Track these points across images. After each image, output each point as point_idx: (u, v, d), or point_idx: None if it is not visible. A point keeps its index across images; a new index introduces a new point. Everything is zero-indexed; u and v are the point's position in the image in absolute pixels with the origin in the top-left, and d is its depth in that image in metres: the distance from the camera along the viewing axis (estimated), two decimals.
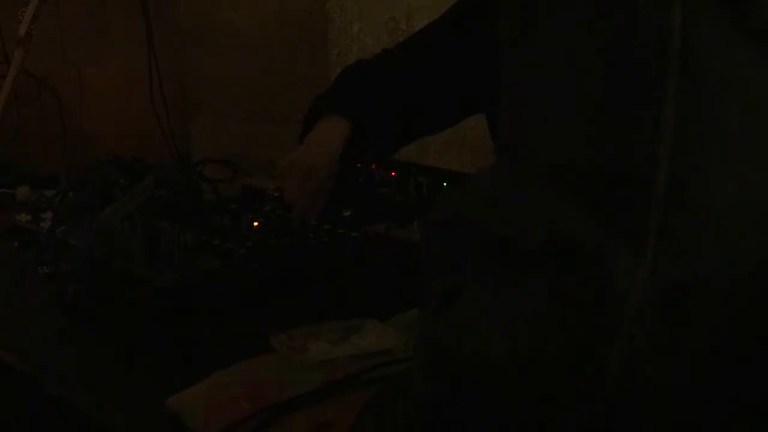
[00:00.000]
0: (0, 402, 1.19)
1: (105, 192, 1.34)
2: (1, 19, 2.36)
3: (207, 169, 1.55)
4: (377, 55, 1.57)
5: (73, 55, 2.50)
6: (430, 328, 0.62)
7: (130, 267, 1.23)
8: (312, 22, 2.48)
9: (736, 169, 0.51)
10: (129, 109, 2.33)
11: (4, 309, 1.20)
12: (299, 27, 2.46)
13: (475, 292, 0.58)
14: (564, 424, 0.55)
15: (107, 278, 1.24)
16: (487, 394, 0.57)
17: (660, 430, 0.55)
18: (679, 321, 0.52)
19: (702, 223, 0.51)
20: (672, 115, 0.51)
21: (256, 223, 1.37)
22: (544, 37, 0.57)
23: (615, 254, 0.52)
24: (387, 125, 1.46)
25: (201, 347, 1.13)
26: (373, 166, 1.61)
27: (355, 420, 0.77)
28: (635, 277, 0.52)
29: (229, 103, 2.41)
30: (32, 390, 1.11)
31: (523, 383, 0.56)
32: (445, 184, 1.51)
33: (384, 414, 0.69)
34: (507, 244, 0.56)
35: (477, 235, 0.58)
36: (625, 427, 0.55)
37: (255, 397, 0.95)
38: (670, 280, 0.52)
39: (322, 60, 2.50)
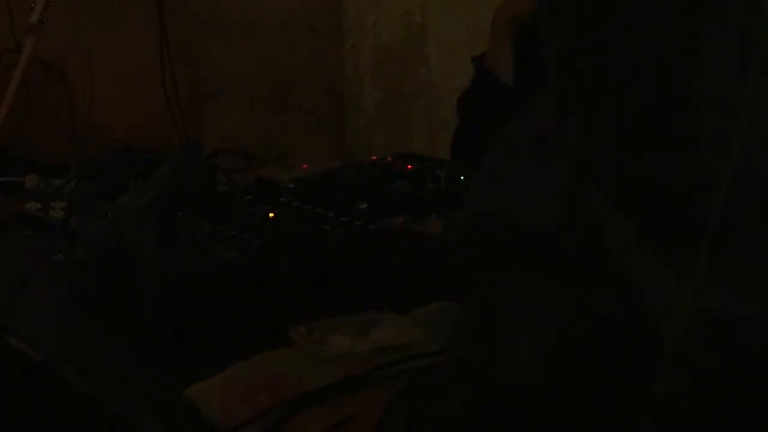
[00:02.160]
0: (13, 390, 1.18)
1: (118, 181, 1.33)
2: (13, 7, 2.35)
3: (219, 159, 1.54)
4: None
5: (84, 42, 2.49)
6: (462, 344, 0.60)
7: (145, 257, 1.21)
8: (327, 13, 2.46)
9: None
10: (140, 97, 2.31)
11: (16, 297, 1.19)
12: (314, 18, 2.45)
13: (505, 302, 0.56)
14: None
15: (121, 268, 1.22)
16: (520, 415, 0.55)
17: None
18: (723, 353, 0.50)
19: (761, 254, 0.49)
20: (742, 131, 0.48)
21: (271, 214, 1.36)
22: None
23: (657, 278, 0.49)
24: None
25: (217, 338, 1.12)
26: None
27: (380, 419, 0.75)
28: (678, 306, 0.49)
29: (242, 92, 2.39)
30: (45, 379, 1.10)
31: (556, 404, 0.54)
32: (462, 177, 1.50)
33: (412, 418, 0.68)
34: (537, 248, 0.54)
35: (507, 238, 0.56)
36: None
37: (274, 390, 0.94)
38: (719, 312, 0.49)
39: (336, 52, 2.49)
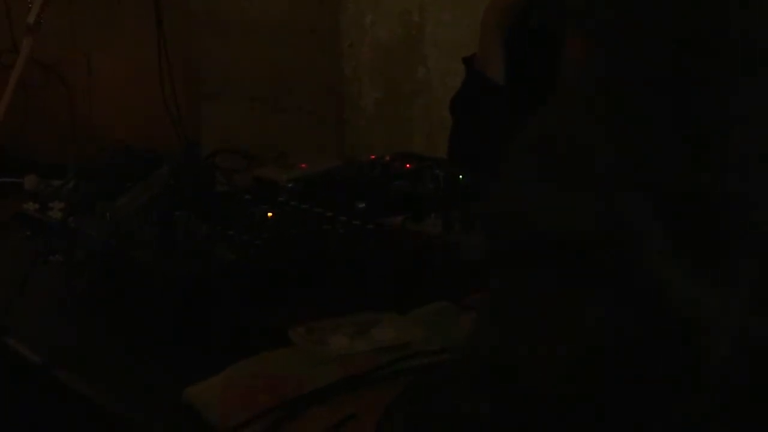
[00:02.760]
0: (11, 391, 1.18)
1: (117, 181, 1.33)
2: (11, 7, 2.34)
3: (218, 159, 1.54)
4: None
5: (82, 43, 2.49)
6: (478, 339, 0.59)
7: (144, 257, 1.21)
8: (325, 12, 2.46)
9: None
10: (139, 98, 2.31)
11: (15, 297, 1.19)
12: (312, 17, 2.45)
13: (537, 307, 0.55)
14: None
15: (121, 268, 1.22)
16: (546, 420, 0.54)
17: None
18: (765, 377, 0.49)
19: None
20: None
21: (270, 214, 1.36)
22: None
23: (696, 295, 0.49)
24: None
25: (217, 339, 1.12)
26: None
27: (381, 419, 0.75)
28: (719, 325, 0.48)
29: (241, 92, 2.39)
30: (44, 379, 1.10)
31: (584, 412, 0.53)
32: (461, 176, 1.50)
33: (413, 419, 0.67)
34: (572, 255, 0.53)
35: (540, 243, 0.55)
36: None
37: (273, 391, 0.94)
38: (761, 333, 0.49)
39: (335, 51, 2.49)
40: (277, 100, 2.43)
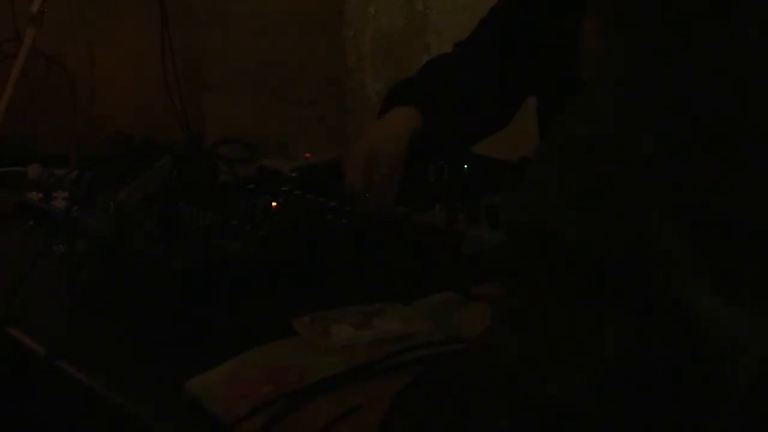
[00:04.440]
0: (13, 382, 1.18)
1: (119, 172, 1.32)
2: None
3: (221, 149, 1.53)
4: (453, 49, 1.61)
5: (85, 33, 2.48)
6: (497, 346, 0.57)
7: (147, 248, 1.21)
8: (327, 2, 2.46)
9: None
10: (141, 88, 2.31)
11: (18, 288, 1.19)
12: (314, 7, 2.45)
13: (557, 323, 0.53)
14: None
15: (123, 259, 1.22)
16: None
17: None
18: None
19: None
20: None
21: (274, 204, 1.35)
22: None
23: (724, 317, 0.48)
24: (456, 120, 1.47)
25: (220, 330, 1.12)
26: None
27: (386, 416, 0.74)
28: (746, 349, 0.48)
29: (242, 83, 2.39)
30: (46, 370, 1.10)
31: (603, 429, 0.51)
32: (465, 166, 1.49)
33: (426, 421, 0.66)
34: (595, 271, 0.52)
35: (554, 248, 0.54)
36: None
37: (277, 381, 0.93)
38: None
39: (337, 41, 2.48)
40: (279, 91, 2.43)
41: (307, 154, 1.65)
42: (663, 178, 0.51)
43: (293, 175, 1.51)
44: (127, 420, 0.98)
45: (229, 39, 2.40)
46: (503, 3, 1.59)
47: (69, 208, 1.28)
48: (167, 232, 1.23)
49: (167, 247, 1.21)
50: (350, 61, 2.51)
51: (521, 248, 0.57)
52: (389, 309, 1.09)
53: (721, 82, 0.50)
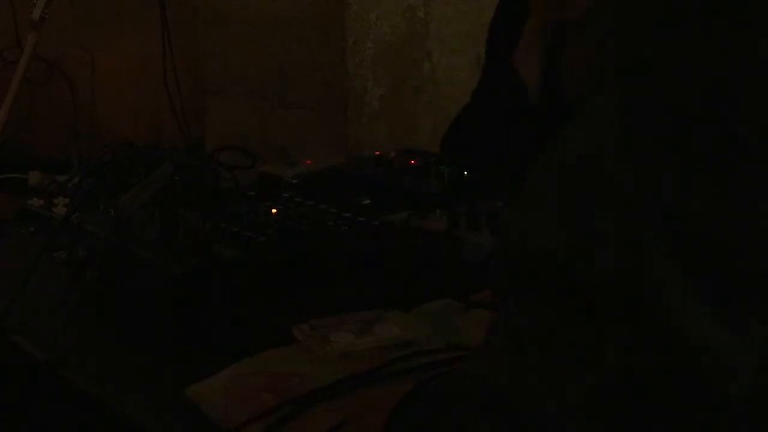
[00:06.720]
0: (14, 388, 1.18)
1: (120, 178, 1.32)
2: (15, 3, 2.34)
3: (222, 156, 1.54)
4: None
5: (85, 39, 2.49)
6: (495, 375, 0.56)
7: (148, 254, 1.21)
8: (329, 8, 2.46)
9: None
10: (142, 94, 2.31)
11: (19, 294, 1.19)
12: (316, 13, 2.45)
13: (549, 343, 0.53)
14: None
15: (124, 265, 1.22)
16: None
17: None
18: None
19: None
20: None
21: (274, 211, 1.35)
22: None
23: (717, 339, 0.48)
24: None
25: (220, 336, 1.12)
26: None
27: (386, 423, 0.74)
28: (739, 372, 0.48)
29: (244, 89, 2.39)
30: (47, 376, 1.10)
31: None
32: (465, 173, 1.49)
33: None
34: (586, 292, 0.51)
35: (548, 269, 0.53)
36: None
37: (277, 389, 0.93)
38: None
39: (338, 47, 2.48)
40: (281, 97, 2.43)
41: (308, 160, 1.65)
42: (656, 199, 0.51)
43: (294, 181, 1.51)
44: (127, 425, 0.99)
45: (231, 45, 2.40)
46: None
47: (70, 215, 1.28)
48: (168, 239, 1.23)
49: (167, 253, 1.21)
50: (351, 67, 2.51)
51: (512, 268, 0.57)
52: (389, 316, 1.09)
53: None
